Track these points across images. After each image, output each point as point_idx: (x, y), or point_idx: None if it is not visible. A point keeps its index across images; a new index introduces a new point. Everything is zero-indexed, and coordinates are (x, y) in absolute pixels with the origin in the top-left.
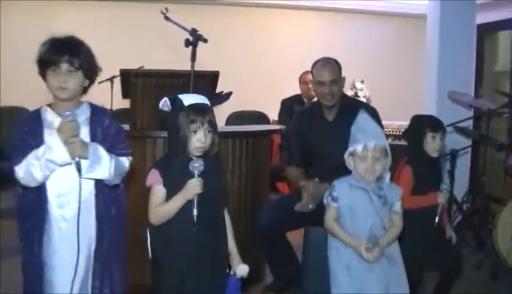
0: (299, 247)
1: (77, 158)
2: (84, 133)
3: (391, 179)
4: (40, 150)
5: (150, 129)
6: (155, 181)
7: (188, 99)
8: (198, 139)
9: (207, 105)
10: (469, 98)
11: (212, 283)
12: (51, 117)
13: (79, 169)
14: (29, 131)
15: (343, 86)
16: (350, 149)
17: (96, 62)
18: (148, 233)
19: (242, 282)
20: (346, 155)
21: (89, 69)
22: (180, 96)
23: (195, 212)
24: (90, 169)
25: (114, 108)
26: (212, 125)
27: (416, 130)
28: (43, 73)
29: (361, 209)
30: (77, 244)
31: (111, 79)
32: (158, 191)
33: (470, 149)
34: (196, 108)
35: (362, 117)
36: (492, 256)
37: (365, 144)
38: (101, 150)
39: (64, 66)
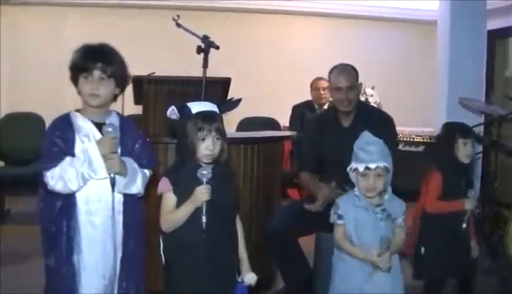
0: (311, 254)
1: (112, 174)
2: None
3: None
4: (77, 161)
5: (162, 135)
6: (165, 189)
7: (196, 107)
8: (206, 147)
9: (215, 112)
10: (480, 104)
11: (222, 289)
12: (82, 123)
13: (113, 185)
14: (60, 136)
15: (359, 92)
16: (352, 165)
17: (128, 71)
18: (161, 240)
19: (250, 290)
20: (348, 169)
21: (121, 77)
22: (188, 104)
23: (203, 219)
24: (126, 186)
25: (125, 114)
26: (220, 132)
27: (448, 137)
28: (75, 79)
29: (365, 224)
30: (113, 251)
31: None
32: (169, 198)
33: (480, 155)
34: (204, 116)
35: (365, 137)
36: (503, 261)
37: (366, 166)
38: (136, 167)
39: (97, 73)
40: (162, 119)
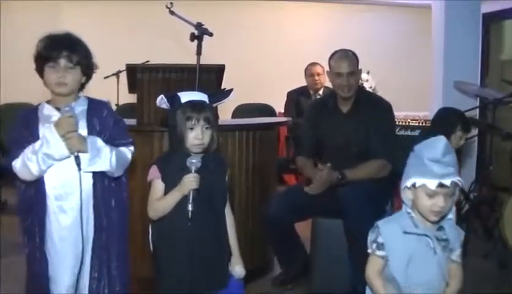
0: (307, 240)
1: (76, 153)
2: (81, 125)
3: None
4: (36, 144)
5: (157, 123)
6: (154, 176)
7: (186, 96)
8: (195, 136)
9: (205, 101)
10: (475, 88)
11: (212, 279)
12: (48, 112)
13: (78, 164)
14: (26, 126)
15: (359, 78)
16: (416, 181)
17: (93, 59)
18: (150, 227)
19: (244, 282)
20: (402, 187)
21: (87, 66)
22: (179, 93)
23: (190, 207)
24: (91, 163)
25: (120, 103)
26: (209, 121)
27: (448, 124)
28: (40, 70)
29: (418, 258)
30: (81, 235)
31: (117, 74)
32: (157, 186)
33: (476, 138)
34: (193, 105)
35: (441, 145)
36: (500, 245)
37: (440, 182)
38: (100, 142)
39: (63, 62)
40: (156, 107)
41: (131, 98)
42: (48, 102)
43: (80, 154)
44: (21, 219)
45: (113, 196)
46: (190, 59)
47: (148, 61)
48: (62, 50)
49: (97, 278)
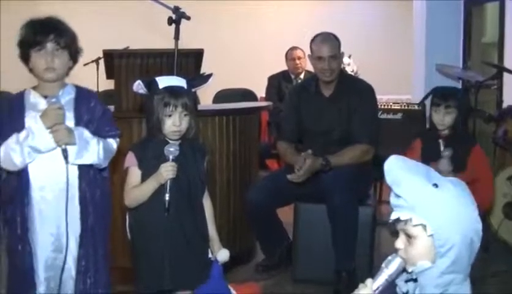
0: (290, 226)
1: (64, 146)
2: (69, 115)
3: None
4: (21, 135)
5: (136, 110)
6: (130, 163)
7: (164, 81)
8: (173, 123)
9: (183, 87)
10: (457, 71)
11: (192, 267)
12: (35, 99)
13: (66, 157)
14: (10, 113)
15: (342, 62)
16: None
17: (78, 42)
18: (127, 216)
19: (226, 265)
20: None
21: (74, 49)
22: (156, 78)
23: (166, 197)
24: (78, 156)
25: (100, 90)
26: (187, 108)
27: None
28: (25, 56)
29: None
30: (65, 227)
31: (97, 61)
32: (133, 173)
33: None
34: (171, 91)
35: None
36: (483, 228)
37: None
38: (88, 135)
39: (50, 46)
40: (134, 93)
41: (112, 85)
42: (34, 89)
43: (68, 147)
44: (3, 209)
45: (99, 187)
46: (169, 44)
47: (128, 47)
48: (49, 33)
49: (83, 271)
